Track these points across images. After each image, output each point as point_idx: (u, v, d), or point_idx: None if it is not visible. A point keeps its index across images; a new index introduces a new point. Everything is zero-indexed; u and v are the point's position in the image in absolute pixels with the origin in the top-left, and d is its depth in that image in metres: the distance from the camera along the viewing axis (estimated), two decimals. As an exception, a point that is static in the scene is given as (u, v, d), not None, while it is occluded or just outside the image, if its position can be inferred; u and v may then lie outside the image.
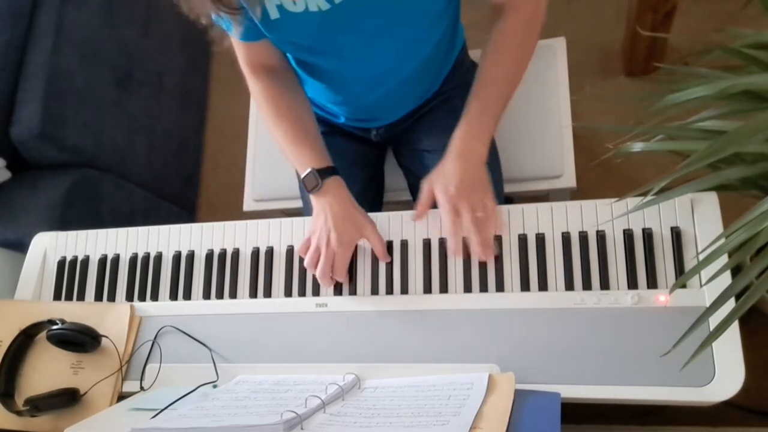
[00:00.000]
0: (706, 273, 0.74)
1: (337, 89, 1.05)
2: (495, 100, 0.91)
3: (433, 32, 0.95)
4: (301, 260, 0.94)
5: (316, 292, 0.93)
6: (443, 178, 0.87)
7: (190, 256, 1.00)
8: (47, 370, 0.95)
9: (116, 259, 1.03)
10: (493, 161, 1.14)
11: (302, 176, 0.93)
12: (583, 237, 0.84)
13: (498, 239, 0.87)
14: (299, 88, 1.02)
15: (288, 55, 1.01)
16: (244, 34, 0.92)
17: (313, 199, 0.93)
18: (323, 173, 0.92)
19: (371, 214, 0.93)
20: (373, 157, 1.20)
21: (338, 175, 0.94)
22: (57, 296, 1.04)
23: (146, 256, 1.02)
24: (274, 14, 0.84)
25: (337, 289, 0.92)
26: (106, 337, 0.93)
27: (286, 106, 0.98)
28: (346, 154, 1.15)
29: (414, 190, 1.16)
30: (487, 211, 0.86)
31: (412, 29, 0.90)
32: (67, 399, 0.90)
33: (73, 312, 0.97)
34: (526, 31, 0.92)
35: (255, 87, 0.99)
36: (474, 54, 1.20)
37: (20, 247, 1.37)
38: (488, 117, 0.90)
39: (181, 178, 1.91)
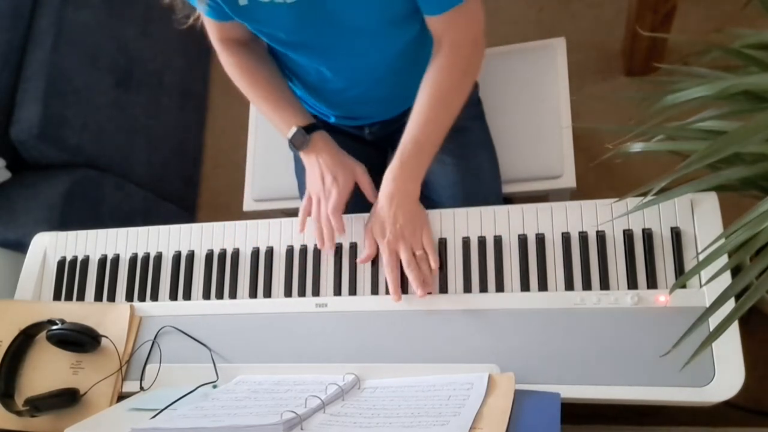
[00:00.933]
0: (706, 273, 0.74)
1: (316, 86, 1.06)
2: (429, 142, 0.91)
3: (407, 30, 0.94)
4: (301, 260, 0.94)
5: (316, 292, 0.92)
6: (379, 224, 0.90)
7: (190, 256, 1.00)
8: (47, 370, 0.95)
9: (116, 259, 1.03)
10: (491, 162, 1.14)
11: (289, 136, 0.98)
12: (583, 237, 0.84)
13: (498, 239, 0.87)
14: (269, 56, 1.05)
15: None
16: (213, 14, 0.94)
17: (304, 157, 0.99)
18: (309, 129, 0.97)
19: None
20: (371, 157, 1.20)
21: (323, 129, 0.99)
22: (57, 296, 1.04)
23: (146, 256, 1.01)
24: (242, 0, 0.85)
25: (337, 289, 0.92)
26: (106, 337, 0.93)
27: (260, 74, 1.01)
28: None
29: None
30: (425, 248, 0.88)
31: (383, 26, 0.90)
32: (67, 399, 0.90)
33: (73, 312, 0.97)
34: (463, 72, 0.92)
35: (228, 59, 1.02)
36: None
37: (20, 247, 1.37)
38: (422, 159, 0.91)
39: (181, 178, 1.91)
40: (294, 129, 0.97)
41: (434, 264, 0.88)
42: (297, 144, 0.97)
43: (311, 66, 0.99)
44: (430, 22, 0.88)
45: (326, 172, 0.95)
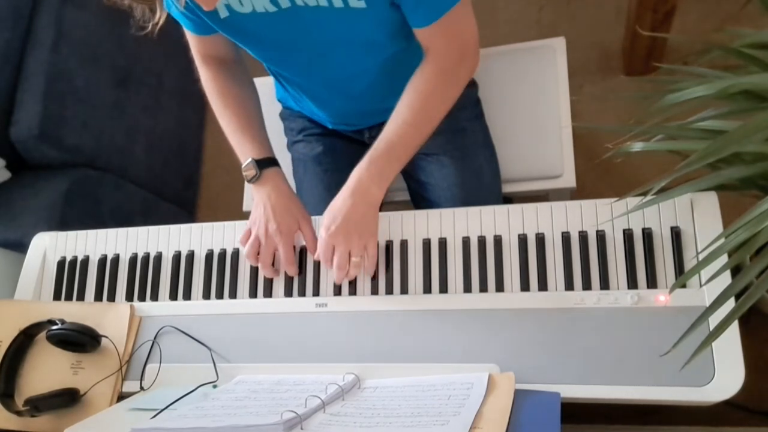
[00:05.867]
0: (705, 273, 0.74)
1: (307, 94, 1.06)
2: (403, 147, 0.89)
3: (394, 39, 0.92)
4: (301, 260, 0.94)
5: (316, 292, 0.92)
6: (330, 215, 0.88)
7: (190, 256, 1.00)
8: (47, 370, 0.95)
9: (116, 259, 1.03)
10: (491, 162, 1.14)
11: (242, 166, 0.96)
12: (583, 237, 0.84)
13: (498, 239, 0.87)
14: (248, 80, 1.04)
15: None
16: (194, 28, 0.94)
17: (253, 190, 0.96)
18: (262, 164, 0.95)
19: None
20: None
21: (278, 167, 0.97)
22: (57, 296, 1.04)
23: (146, 256, 1.01)
24: (223, 13, 0.85)
25: (337, 289, 0.92)
26: (106, 337, 0.93)
27: (232, 97, 1.00)
28: (342, 156, 1.14)
29: (413, 193, 1.16)
30: (366, 254, 0.88)
31: (368, 34, 0.89)
32: (67, 399, 0.90)
33: (73, 312, 0.97)
34: (446, 81, 0.90)
35: (205, 75, 1.02)
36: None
37: (20, 247, 1.37)
38: (393, 162, 0.89)
39: (181, 178, 1.91)
40: (248, 160, 0.95)
41: (369, 272, 0.89)
42: (247, 176, 0.95)
43: (296, 75, 1.00)
44: (417, 33, 0.88)
45: (272, 219, 0.92)
